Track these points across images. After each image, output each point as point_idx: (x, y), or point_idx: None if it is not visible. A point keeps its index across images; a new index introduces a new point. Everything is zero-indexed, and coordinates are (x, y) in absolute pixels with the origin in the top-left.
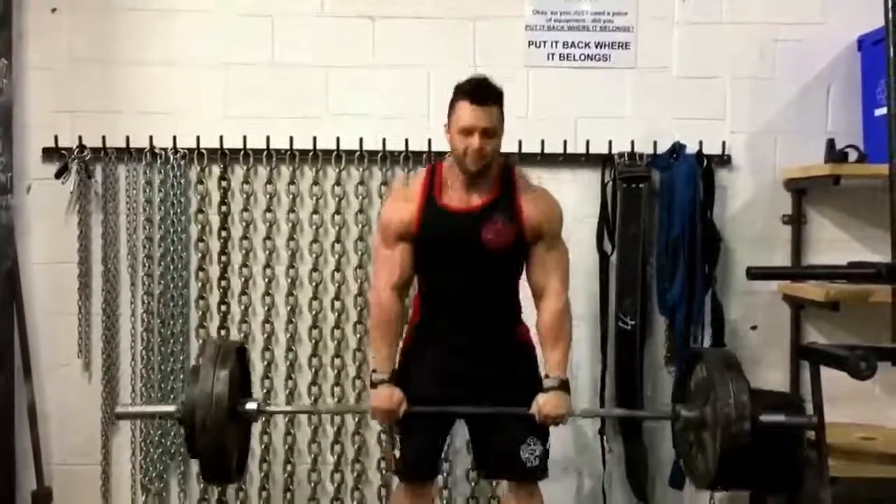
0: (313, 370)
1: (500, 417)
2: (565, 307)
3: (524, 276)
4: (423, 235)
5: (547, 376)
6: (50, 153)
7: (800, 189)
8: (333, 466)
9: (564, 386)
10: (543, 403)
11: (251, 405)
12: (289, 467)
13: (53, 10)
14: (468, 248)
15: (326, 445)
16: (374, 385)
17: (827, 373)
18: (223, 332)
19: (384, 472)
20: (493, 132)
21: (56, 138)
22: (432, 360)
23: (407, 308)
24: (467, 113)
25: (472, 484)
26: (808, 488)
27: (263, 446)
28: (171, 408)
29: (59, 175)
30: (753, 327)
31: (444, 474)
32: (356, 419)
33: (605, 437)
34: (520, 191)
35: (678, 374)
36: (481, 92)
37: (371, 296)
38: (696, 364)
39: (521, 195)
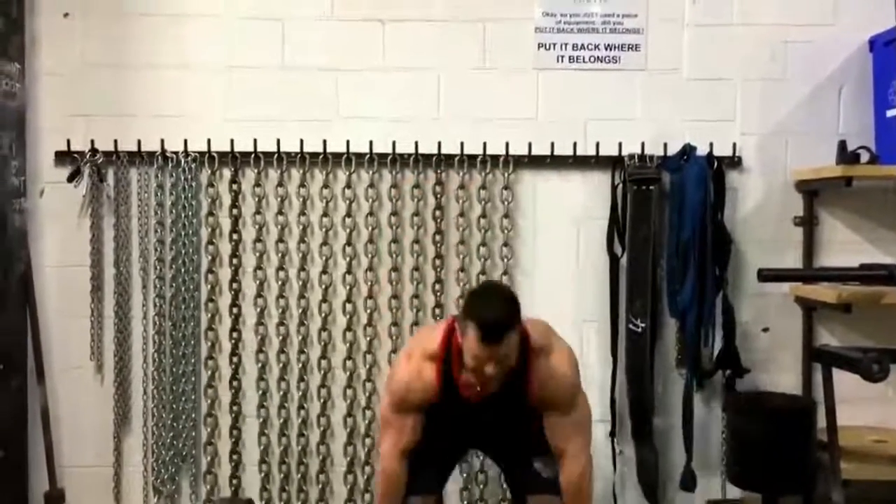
0: (322, 372)
1: (512, 441)
2: (586, 468)
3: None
4: (437, 411)
5: None
6: (62, 157)
7: (811, 191)
8: (346, 468)
9: None
10: None
11: None
12: (301, 468)
13: (66, 14)
14: (481, 426)
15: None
16: None
17: (839, 375)
18: (234, 335)
19: None
20: (507, 357)
21: (68, 142)
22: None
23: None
24: (479, 349)
25: (481, 486)
26: (821, 491)
27: (282, 448)
28: None
29: (71, 179)
30: (765, 329)
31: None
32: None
33: (615, 440)
34: (533, 360)
35: None
36: (494, 331)
37: (381, 462)
38: None
39: (533, 367)
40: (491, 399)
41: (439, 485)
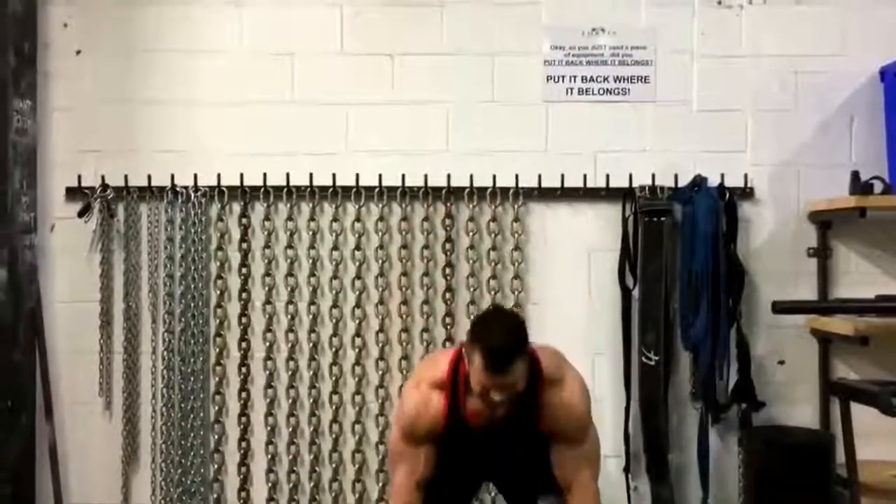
0: (334, 407)
1: (519, 474)
2: (594, 501)
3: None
4: (445, 442)
5: None
6: (73, 192)
7: (825, 221)
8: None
9: None
10: None
11: None
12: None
13: (78, 52)
14: (491, 456)
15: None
16: None
17: (858, 409)
18: (243, 369)
19: None
20: (514, 384)
21: (79, 178)
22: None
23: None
24: (486, 378)
25: None
26: None
27: (291, 485)
28: None
29: (81, 214)
30: (781, 362)
31: None
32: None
33: (629, 476)
34: (544, 390)
35: None
36: (500, 362)
37: (394, 496)
38: None
39: (544, 396)
40: (500, 427)
41: None
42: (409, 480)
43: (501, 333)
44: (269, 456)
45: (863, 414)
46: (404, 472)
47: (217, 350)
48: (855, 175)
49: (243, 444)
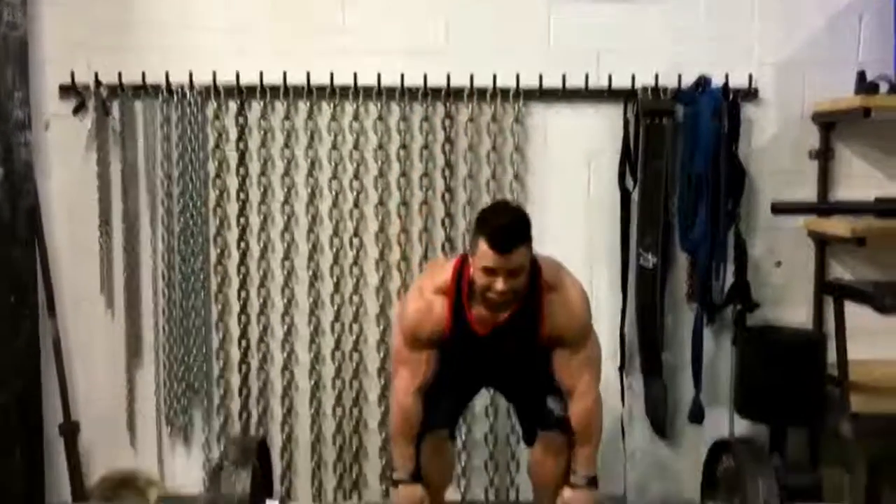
0: (336, 307)
1: (524, 378)
2: (595, 406)
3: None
4: (449, 346)
5: (574, 472)
6: (67, 90)
7: (828, 123)
8: (352, 402)
9: (592, 483)
10: (569, 499)
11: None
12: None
13: None
14: (491, 360)
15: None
16: (395, 484)
17: (850, 309)
18: (242, 269)
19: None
20: (518, 271)
21: (73, 74)
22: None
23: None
24: (491, 259)
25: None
26: (830, 423)
27: (285, 382)
28: None
29: (76, 112)
30: (778, 264)
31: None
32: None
33: (624, 375)
34: (545, 296)
35: (705, 461)
36: (505, 240)
37: (394, 399)
38: (722, 454)
39: (545, 301)
40: (502, 333)
41: (452, 420)
42: (411, 385)
43: (507, 217)
44: (261, 354)
45: (855, 315)
46: (406, 377)
47: (218, 251)
48: (861, 75)
49: (243, 342)
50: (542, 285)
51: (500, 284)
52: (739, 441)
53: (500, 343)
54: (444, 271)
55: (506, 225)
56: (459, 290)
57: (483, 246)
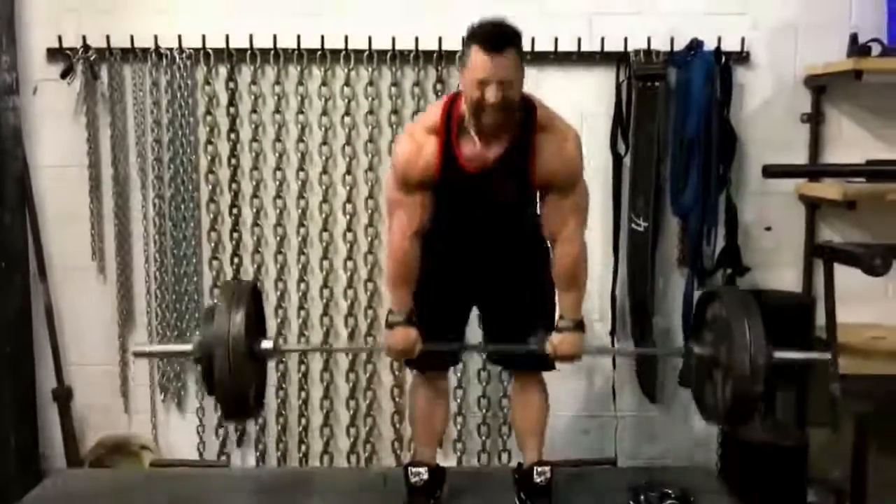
0: (324, 273)
1: (511, 305)
2: (580, 252)
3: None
4: (440, 187)
5: (561, 317)
6: (54, 53)
7: (820, 86)
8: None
9: (579, 326)
10: (559, 343)
11: (266, 344)
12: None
13: None
14: (482, 201)
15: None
16: (390, 325)
17: (840, 273)
18: (235, 235)
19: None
20: (511, 82)
21: (60, 38)
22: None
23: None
24: (482, 62)
25: (484, 384)
26: (818, 384)
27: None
28: (187, 347)
29: (64, 76)
30: (768, 228)
31: (458, 374)
32: (368, 320)
33: (615, 338)
34: (538, 134)
35: (694, 311)
36: (496, 38)
37: (390, 242)
38: (711, 302)
39: (537, 142)
40: (493, 172)
41: (452, 358)
42: (408, 228)
43: (497, 22)
44: None
45: (844, 278)
46: (403, 219)
47: (211, 217)
48: (853, 37)
49: None
50: (535, 124)
51: (491, 94)
52: (727, 290)
53: (491, 186)
54: (433, 111)
55: (496, 25)
56: (449, 129)
57: (474, 53)
